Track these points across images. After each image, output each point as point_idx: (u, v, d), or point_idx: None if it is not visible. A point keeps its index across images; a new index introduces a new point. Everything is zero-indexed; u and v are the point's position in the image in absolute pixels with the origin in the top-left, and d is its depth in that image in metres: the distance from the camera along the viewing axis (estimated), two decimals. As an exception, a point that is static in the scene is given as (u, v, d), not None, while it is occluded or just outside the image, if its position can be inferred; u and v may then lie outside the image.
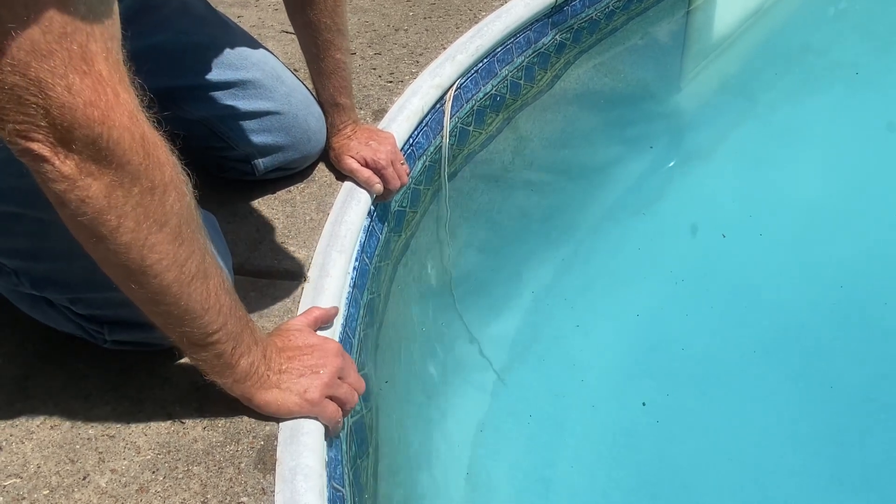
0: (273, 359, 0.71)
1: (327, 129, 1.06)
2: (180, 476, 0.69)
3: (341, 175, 1.07)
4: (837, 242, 1.42)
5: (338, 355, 0.75)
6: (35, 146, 0.50)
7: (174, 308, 0.60)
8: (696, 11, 1.97)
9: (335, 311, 0.85)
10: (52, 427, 0.73)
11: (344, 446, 0.80)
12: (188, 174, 0.60)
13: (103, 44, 0.49)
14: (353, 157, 1.05)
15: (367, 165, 1.04)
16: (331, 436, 0.75)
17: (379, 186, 1.05)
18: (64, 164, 0.51)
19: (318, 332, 0.81)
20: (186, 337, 0.63)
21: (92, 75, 0.49)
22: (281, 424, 0.73)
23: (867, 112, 1.75)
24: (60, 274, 0.71)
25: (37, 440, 0.72)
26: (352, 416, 0.82)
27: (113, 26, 0.50)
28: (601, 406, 1.17)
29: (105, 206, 0.53)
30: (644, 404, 1.14)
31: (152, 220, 0.56)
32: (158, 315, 0.62)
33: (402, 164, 1.08)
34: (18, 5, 0.45)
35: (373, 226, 1.07)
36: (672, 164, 1.66)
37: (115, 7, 0.51)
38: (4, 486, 0.68)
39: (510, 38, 1.44)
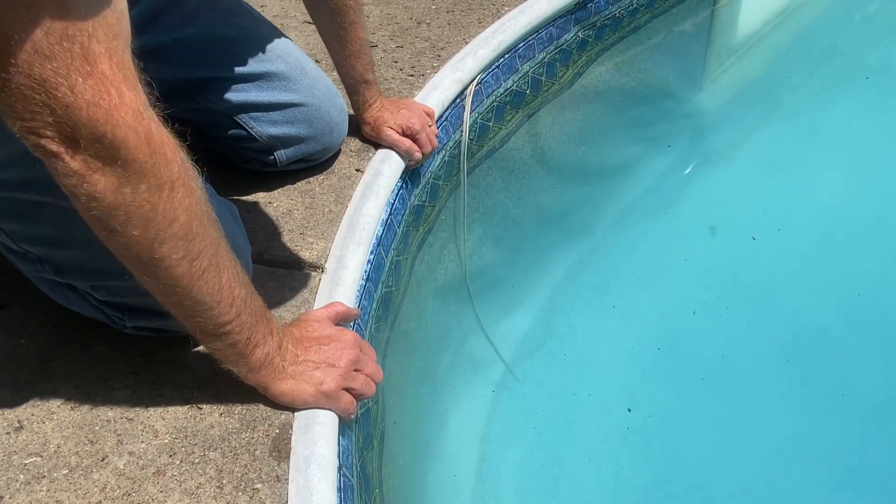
0: (289, 349, 0.71)
1: (358, 106, 1.11)
2: (196, 461, 0.70)
3: (361, 165, 1.08)
4: (859, 249, 1.40)
5: (354, 347, 0.76)
6: (45, 142, 0.51)
7: (186, 299, 0.61)
8: (721, 10, 1.95)
9: (357, 313, 0.86)
10: (72, 408, 0.75)
11: (353, 436, 0.81)
12: (199, 169, 0.60)
13: (106, 44, 0.50)
14: (391, 128, 1.10)
15: (403, 134, 1.10)
16: (342, 423, 0.76)
17: (418, 154, 1.11)
18: (73, 161, 0.52)
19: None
20: (199, 327, 0.64)
21: (95, 75, 0.50)
22: (296, 413, 0.74)
23: (893, 116, 1.72)
24: (82, 261, 0.72)
25: (57, 420, 0.74)
26: (360, 407, 0.83)
27: (117, 25, 0.51)
28: (613, 404, 1.17)
29: (113, 203, 0.54)
30: (629, 410, 1.14)
31: (161, 216, 0.56)
32: (171, 305, 0.63)
33: (431, 125, 1.14)
34: (21, 8, 0.46)
35: (391, 219, 1.07)
36: (692, 164, 1.65)
37: (120, 5, 0.51)
38: (25, 465, 0.70)
39: (532, 34, 1.44)
